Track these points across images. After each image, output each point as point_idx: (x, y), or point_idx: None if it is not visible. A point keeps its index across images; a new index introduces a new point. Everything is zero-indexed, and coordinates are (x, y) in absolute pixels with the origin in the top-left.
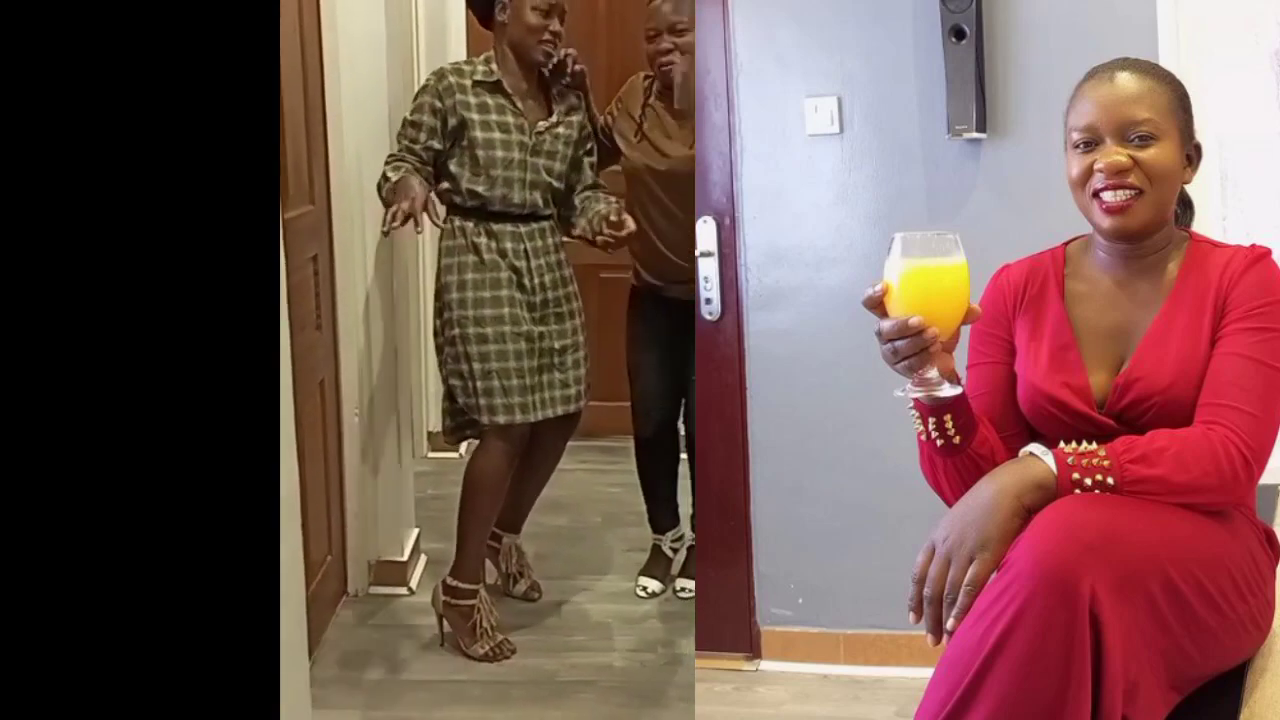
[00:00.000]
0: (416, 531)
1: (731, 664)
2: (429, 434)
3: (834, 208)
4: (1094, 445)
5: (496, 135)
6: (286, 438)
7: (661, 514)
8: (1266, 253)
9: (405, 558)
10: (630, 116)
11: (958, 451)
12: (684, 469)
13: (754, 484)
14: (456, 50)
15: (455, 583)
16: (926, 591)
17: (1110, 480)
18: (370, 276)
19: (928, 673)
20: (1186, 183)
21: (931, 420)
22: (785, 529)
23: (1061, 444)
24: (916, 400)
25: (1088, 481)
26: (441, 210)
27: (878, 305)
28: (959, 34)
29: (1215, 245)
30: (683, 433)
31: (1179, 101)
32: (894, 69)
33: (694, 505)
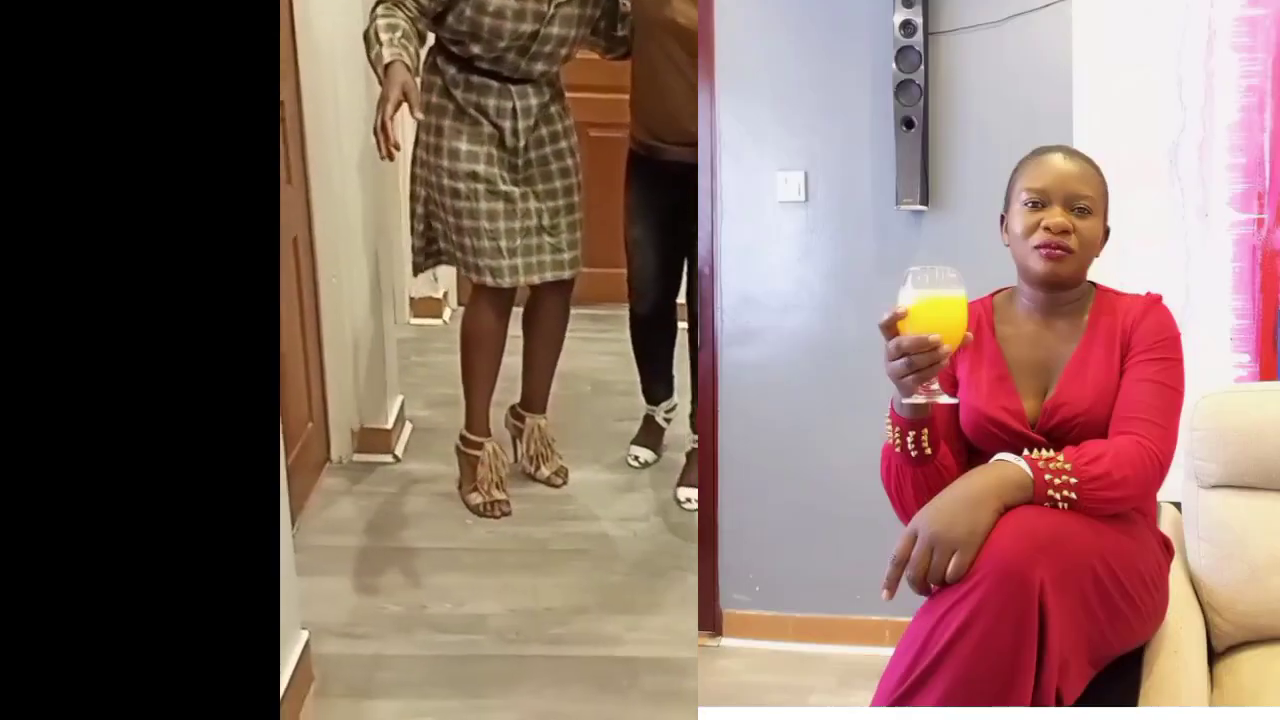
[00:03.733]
0: (401, 399)
1: (699, 641)
2: (411, 300)
3: (798, 264)
4: (1053, 453)
5: (510, 3)
6: None
7: (656, 386)
8: (1159, 298)
9: (390, 425)
10: None
11: (927, 461)
12: (682, 338)
13: (721, 491)
14: None
15: (465, 433)
16: (909, 574)
17: (1073, 480)
18: (345, 124)
19: (864, 650)
20: (1098, 256)
21: (911, 434)
22: (746, 528)
23: (1027, 452)
24: (898, 417)
25: (1056, 481)
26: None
27: (891, 327)
28: (909, 124)
29: (1118, 294)
30: (681, 301)
31: (1104, 189)
32: (853, 150)
33: (694, 388)
